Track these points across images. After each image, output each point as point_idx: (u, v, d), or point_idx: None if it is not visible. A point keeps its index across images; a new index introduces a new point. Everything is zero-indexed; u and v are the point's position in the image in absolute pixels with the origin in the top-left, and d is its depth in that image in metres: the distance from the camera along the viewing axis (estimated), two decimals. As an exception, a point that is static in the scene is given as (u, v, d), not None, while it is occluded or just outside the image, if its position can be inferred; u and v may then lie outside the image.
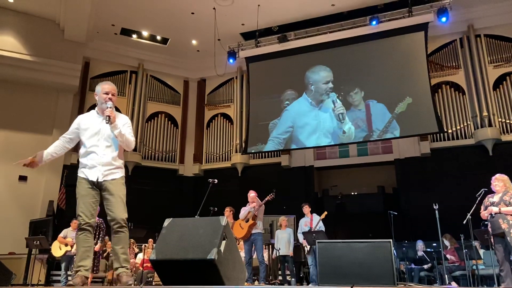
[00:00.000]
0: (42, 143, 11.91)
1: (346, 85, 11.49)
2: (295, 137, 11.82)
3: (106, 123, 3.51)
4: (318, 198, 13.40)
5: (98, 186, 3.54)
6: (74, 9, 11.02)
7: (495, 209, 5.25)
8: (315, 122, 11.60)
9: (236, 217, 7.68)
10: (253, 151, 12.62)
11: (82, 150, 3.63)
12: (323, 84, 11.75)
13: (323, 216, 7.74)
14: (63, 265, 7.77)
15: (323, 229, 7.70)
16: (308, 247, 7.64)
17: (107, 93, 3.62)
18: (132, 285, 3.42)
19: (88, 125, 3.63)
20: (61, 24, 11.90)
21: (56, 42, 11.96)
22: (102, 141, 3.57)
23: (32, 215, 11.10)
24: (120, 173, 3.64)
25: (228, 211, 7.82)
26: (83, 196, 3.51)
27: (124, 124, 3.65)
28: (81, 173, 3.58)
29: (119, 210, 3.49)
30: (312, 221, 7.83)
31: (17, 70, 11.47)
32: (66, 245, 7.67)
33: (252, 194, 7.38)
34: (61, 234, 7.90)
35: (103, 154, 3.55)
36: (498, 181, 5.45)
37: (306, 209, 8.03)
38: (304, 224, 7.94)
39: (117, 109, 3.85)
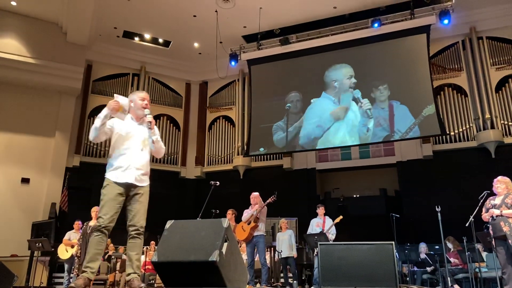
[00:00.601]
0: (44, 146, 12.05)
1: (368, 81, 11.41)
2: (323, 136, 11.67)
3: (148, 128, 3.63)
4: (320, 200, 13.34)
5: (127, 190, 3.56)
6: (77, 12, 11.06)
7: (496, 212, 5.23)
8: (339, 120, 11.49)
9: (238, 219, 7.68)
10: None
11: (114, 153, 3.63)
12: (347, 79, 11.63)
13: (337, 220, 7.60)
14: (66, 268, 7.78)
15: (335, 233, 7.61)
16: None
17: (143, 100, 3.74)
18: None
19: (123, 128, 3.67)
20: (63, 27, 11.95)
21: (59, 45, 12.00)
22: (137, 146, 3.64)
23: (35, 217, 11.11)
24: (148, 180, 3.71)
25: (230, 213, 7.82)
26: (110, 199, 3.50)
27: (158, 132, 3.80)
28: (111, 175, 3.56)
29: (141, 217, 3.57)
30: (325, 223, 7.72)
31: (19, 72, 11.51)
32: (73, 246, 7.69)
33: (255, 194, 7.39)
34: (66, 237, 7.92)
35: (137, 158, 3.62)
36: (500, 183, 5.43)
37: (321, 210, 7.91)
38: (315, 225, 7.83)
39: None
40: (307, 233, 7.86)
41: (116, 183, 3.52)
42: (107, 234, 3.49)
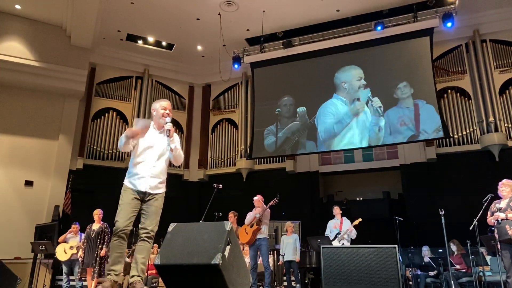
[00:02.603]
0: (48, 148, 12.08)
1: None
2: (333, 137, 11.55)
3: (166, 136, 3.70)
4: (323, 203, 13.35)
5: (142, 197, 3.66)
6: (81, 15, 11.11)
7: (502, 215, 5.20)
8: (350, 120, 11.37)
9: (241, 222, 7.68)
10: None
11: (133, 161, 3.75)
12: (357, 81, 11.54)
13: (356, 222, 7.45)
14: (64, 270, 7.77)
15: (355, 234, 7.50)
16: None
17: (164, 109, 3.83)
18: None
19: (145, 136, 3.77)
20: (67, 30, 12.00)
21: (63, 48, 12.05)
22: (155, 154, 3.73)
23: (38, 220, 11.14)
24: (164, 188, 3.81)
25: (232, 216, 7.82)
26: (126, 204, 3.61)
27: (178, 140, 3.87)
28: (129, 182, 3.68)
29: (153, 221, 3.66)
30: (342, 224, 7.60)
31: (23, 75, 11.56)
32: (71, 248, 7.68)
33: (258, 197, 7.38)
34: (62, 236, 7.92)
35: (153, 166, 3.71)
36: (505, 186, 5.41)
37: (337, 210, 7.77)
38: (333, 226, 7.70)
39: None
40: (325, 235, 7.74)
41: (131, 188, 3.65)
42: (124, 238, 3.60)
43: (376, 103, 11.10)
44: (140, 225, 3.67)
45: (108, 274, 3.54)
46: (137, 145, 3.73)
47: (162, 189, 3.78)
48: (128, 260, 7.60)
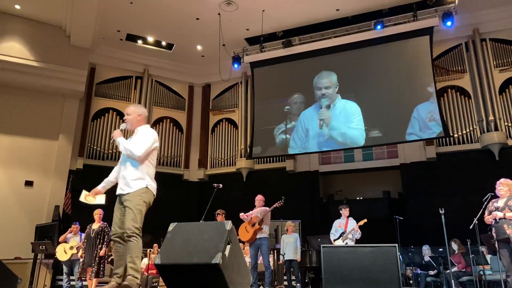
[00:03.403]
0: (48, 149, 12.08)
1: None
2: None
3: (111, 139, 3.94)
4: (323, 203, 13.35)
5: (121, 199, 3.80)
6: (80, 15, 11.11)
7: (499, 214, 5.19)
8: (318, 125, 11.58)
9: (239, 221, 7.66)
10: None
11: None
12: (325, 88, 11.73)
13: (361, 223, 7.45)
14: (65, 270, 7.77)
15: (360, 234, 7.51)
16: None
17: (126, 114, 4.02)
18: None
19: None
20: (67, 30, 12.00)
21: (62, 48, 12.06)
22: (121, 158, 3.94)
23: (38, 220, 11.15)
24: (135, 187, 3.74)
25: (220, 214, 7.79)
26: (115, 211, 3.81)
27: (122, 142, 3.84)
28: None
29: (126, 221, 3.65)
30: (347, 224, 7.61)
31: (23, 75, 11.56)
32: (71, 248, 7.68)
33: (259, 196, 7.38)
34: (62, 236, 7.93)
35: (121, 169, 3.88)
36: (503, 185, 5.40)
37: (345, 212, 7.72)
38: (338, 225, 7.70)
39: (123, 115, 3.96)
40: (330, 233, 7.75)
41: (117, 196, 3.85)
42: (118, 241, 3.71)
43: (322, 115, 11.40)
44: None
45: (113, 276, 3.69)
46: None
47: (131, 189, 3.72)
48: None
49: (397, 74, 11.19)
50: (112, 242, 8.16)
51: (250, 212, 7.33)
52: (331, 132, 11.30)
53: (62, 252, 7.75)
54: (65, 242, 7.84)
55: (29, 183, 11.65)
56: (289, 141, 11.97)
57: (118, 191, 3.80)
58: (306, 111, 11.98)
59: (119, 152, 3.74)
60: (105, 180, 4.04)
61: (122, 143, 3.81)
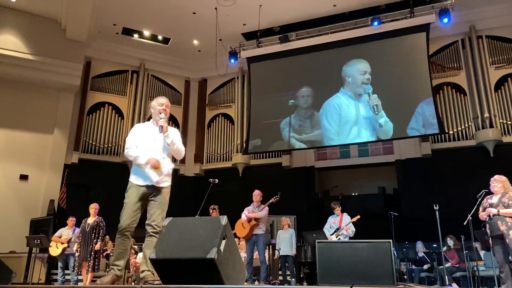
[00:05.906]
0: (43, 142, 12.03)
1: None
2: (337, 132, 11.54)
3: (160, 132, 3.74)
4: (319, 198, 13.39)
5: (147, 191, 3.72)
6: (76, 9, 11.03)
7: (493, 211, 5.22)
8: (354, 114, 11.35)
9: (236, 216, 7.67)
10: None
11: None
12: (360, 75, 11.50)
13: (355, 219, 7.51)
14: (60, 264, 7.77)
15: (354, 231, 7.54)
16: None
17: (161, 105, 3.88)
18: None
19: (144, 133, 3.87)
20: (62, 24, 11.92)
21: (58, 41, 11.97)
22: (156, 150, 3.79)
23: (33, 214, 11.13)
24: (168, 182, 3.83)
25: (214, 210, 7.80)
26: (130, 202, 3.70)
27: (176, 135, 3.88)
28: (134, 179, 3.76)
29: (156, 215, 3.68)
30: (342, 220, 7.67)
31: (18, 69, 11.49)
32: (63, 243, 7.68)
33: (257, 191, 7.39)
34: (56, 234, 7.90)
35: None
36: (497, 182, 5.43)
37: (337, 210, 7.78)
38: (332, 222, 7.77)
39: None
40: (324, 229, 7.81)
41: (137, 186, 3.73)
42: (127, 236, 3.68)
43: (373, 100, 11.09)
44: (146, 221, 3.72)
45: (112, 269, 3.64)
46: (139, 144, 3.81)
47: (166, 183, 3.81)
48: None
49: (397, 70, 11.17)
50: (107, 236, 8.14)
51: (250, 213, 7.34)
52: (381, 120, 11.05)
53: (54, 247, 7.75)
54: (59, 237, 7.84)
55: (24, 177, 11.61)
56: (320, 132, 11.71)
57: (153, 181, 3.70)
58: (330, 100, 11.73)
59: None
60: (141, 154, 3.76)
61: (175, 140, 3.80)
